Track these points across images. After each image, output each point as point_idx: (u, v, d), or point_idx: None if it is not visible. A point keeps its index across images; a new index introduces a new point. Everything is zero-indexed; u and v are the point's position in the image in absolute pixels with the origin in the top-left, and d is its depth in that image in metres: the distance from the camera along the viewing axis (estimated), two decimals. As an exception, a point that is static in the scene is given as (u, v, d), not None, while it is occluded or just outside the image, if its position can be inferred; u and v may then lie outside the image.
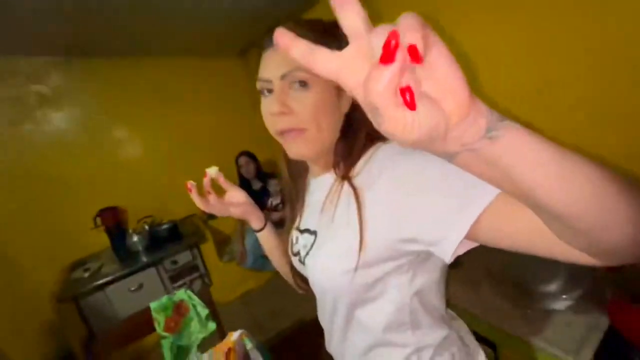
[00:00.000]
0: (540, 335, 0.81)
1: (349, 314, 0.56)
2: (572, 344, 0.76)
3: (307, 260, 0.57)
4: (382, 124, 0.20)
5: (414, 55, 0.18)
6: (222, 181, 0.69)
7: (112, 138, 2.31)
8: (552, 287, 0.89)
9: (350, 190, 0.49)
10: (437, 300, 0.57)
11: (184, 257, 2.16)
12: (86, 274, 1.89)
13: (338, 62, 0.21)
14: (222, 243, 2.61)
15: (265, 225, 0.76)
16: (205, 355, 0.92)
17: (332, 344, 0.65)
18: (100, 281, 1.83)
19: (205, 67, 2.75)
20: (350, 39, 0.20)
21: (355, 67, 0.20)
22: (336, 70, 0.21)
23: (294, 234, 0.65)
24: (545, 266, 0.93)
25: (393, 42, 0.18)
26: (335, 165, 0.56)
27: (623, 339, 0.71)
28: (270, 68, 0.49)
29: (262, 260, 2.49)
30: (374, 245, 0.46)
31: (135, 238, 2.07)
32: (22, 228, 1.93)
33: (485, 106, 0.21)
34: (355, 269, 0.47)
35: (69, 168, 2.10)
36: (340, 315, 0.57)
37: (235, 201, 0.72)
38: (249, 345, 0.95)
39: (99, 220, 2.08)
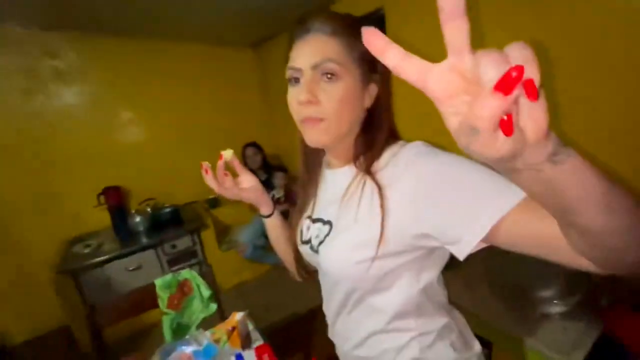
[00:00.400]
0: (534, 337, 0.84)
1: (359, 302, 0.58)
2: (565, 346, 0.79)
3: (321, 249, 0.58)
4: (473, 144, 0.21)
5: (531, 91, 0.18)
6: (236, 164, 0.70)
7: (121, 118, 2.32)
8: (550, 292, 0.92)
9: (374, 184, 0.51)
10: (440, 290, 0.60)
11: (183, 242, 2.17)
12: (86, 250, 1.90)
13: (428, 73, 0.22)
14: (223, 232, 2.63)
15: (273, 211, 0.77)
16: (207, 333, 0.94)
17: (335, 330, 0.67)
18: (100, 258, 1.84)
19: (217, 56, 2.77)
20: (449, 53, 0.21)
21: (446, 80, 0.21)
22: (425, 80, 0.22)
23: (305, 222, 0.66)
24: (544, 272, 0.96)
25: (514, 73, 0.18)
26: (355, 159, 0.57)
27: (616, 345, 0.73)
28: (302, 57, 0.50)
29: (260, 251, 2.52)
30: (393, 238, 0.48)
31: (137, 219, 2.09)
32: (26, 199, 1.94)
33: (552, 132, 0.22)
34: (373, 259, 0.49)
35: (77, 144, 2.11)
36: (350, 303, 0.59)
37: (248, 186, 0.72)
38: (251, 326, 0.98)
39: (102, 198, 2.09)
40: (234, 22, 2.28)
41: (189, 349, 0.83)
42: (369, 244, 0.49)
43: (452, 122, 0.22)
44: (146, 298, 1.13)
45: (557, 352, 0.78)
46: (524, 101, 0.19)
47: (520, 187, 0.27)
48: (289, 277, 0.82)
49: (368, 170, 0.54)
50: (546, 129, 0.20)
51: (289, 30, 0.54)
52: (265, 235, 2.66)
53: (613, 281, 0.78)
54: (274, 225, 0.78)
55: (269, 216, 0.77)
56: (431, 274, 0.55)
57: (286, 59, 0.53)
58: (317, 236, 0.61)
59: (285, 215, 0.78)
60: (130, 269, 1.94)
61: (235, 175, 0.72)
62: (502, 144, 0.20)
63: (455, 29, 0.20)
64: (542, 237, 0.34)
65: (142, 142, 2.42)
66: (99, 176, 2.14)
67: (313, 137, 0.52)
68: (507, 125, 0.20)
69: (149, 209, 2.20)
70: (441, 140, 0.49)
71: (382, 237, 0.48)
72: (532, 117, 0.20)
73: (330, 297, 0.64)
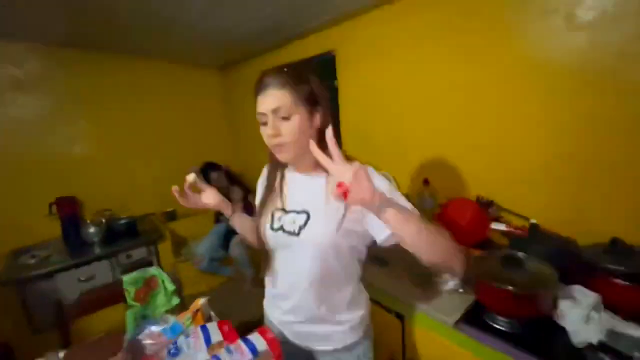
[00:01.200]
0: (434, 307, 1.14)
1: (323, 275, 0.83)
2: (450, 310, 1.10)
3: (304, 232, 0.82)
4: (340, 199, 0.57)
5: (345, 192, 0.57)
6: (199, 184, 0.99)
7: (79, 129, 2.34)
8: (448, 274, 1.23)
9: None
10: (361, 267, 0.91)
11: (139, 253, 2.21)
12: (32, 260, 1.86)
13: (333, 167, 0.60)
14: (179, 245, 2.68)
15: (234, 212, 1.03)
16: (172, 317, 1.08)
17: (291, 307, 0.95)
18: (47, 269, 1.82)
19: (183, 75, 2.92)
20: (334, 162, 0.58)
21: (336, 170, 0.59)
22: (331, 170, 0.60)
23: (277, 214, 0.90)
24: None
25: (341, 183, 0.57)
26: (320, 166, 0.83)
27: (481, 307, 1.06)
28: (264, 106, 0.78)
29: (216, 263, 2.61)
30: (353, 219, 0.78)
31: (91, 229, 2.09)
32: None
33: (382, 195, 0.57)
34: (337, 229, 0.78)
35: (32, 153, 2.09)
36: (316, 279, 0.83)
37: (211, 200, 1.00)
38: (212, 313, 1.13)
39: (54, 208, 2.08)
40: (203, 45, 2.43)
41: (158, 328, 0.97)
42: (338, 222, 0.78)
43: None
44: (111, 294, 1.22)
45: (444, 315, 1.08)
46: (353, 185, 0.54)
47: None
48: (243, 288, 1.06)
49: None
50: (370, 195, 0.55)
51: (254, 57, 0.86)
52: (222, 248, 2.76)
53: (476, 262, 1.12)
54: (239, 221, 1.04)
55: (231, 216, 1.03)
56: (363, 251, 0.87)
57: (255, 103, 0.80)
58: (292, 223, 0.84)
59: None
60: (82, 279, 1.93)
61: (197, 190, 1.00)
62: (349, 201, 0.56)
63: (334, 153, 0.57)
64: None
65: (99, 153, 2.44)
66: (53, 186, 2.13)
67: (282, 156, 0.82)
68: (345, 194, 0.55)
69: (103, 220, 2.21)
70: (380, 156, 1.33)
71: (344, 217, 0.78)
72: (360, 190, 0.55)
73: (296, 276, 0.87)
